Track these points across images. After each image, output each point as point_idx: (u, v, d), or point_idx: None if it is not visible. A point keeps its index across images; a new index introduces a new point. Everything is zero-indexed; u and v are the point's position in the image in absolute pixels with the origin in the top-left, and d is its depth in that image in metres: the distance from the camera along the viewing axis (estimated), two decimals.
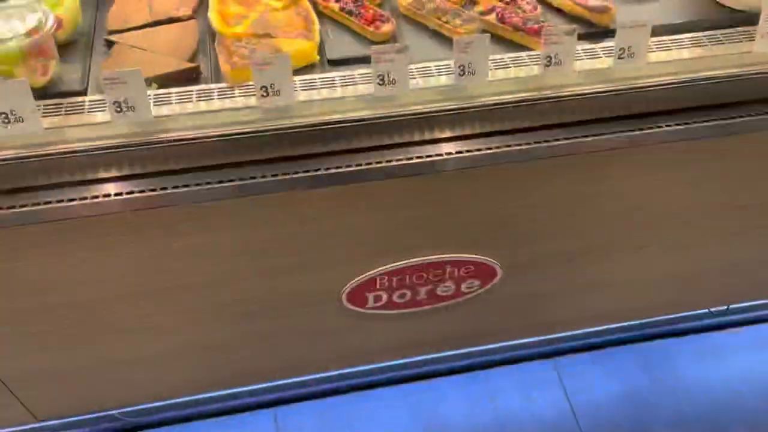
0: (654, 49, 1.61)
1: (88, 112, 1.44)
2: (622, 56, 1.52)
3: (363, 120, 1.48)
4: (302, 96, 1.49)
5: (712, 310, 2.71)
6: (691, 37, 1.65)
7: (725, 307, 2.69)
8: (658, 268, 2.05)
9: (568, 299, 2.10)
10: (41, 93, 1.45)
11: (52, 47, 1.48)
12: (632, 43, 1.51)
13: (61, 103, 1.45)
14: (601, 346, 2.69)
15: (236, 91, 1.49)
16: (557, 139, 1.55)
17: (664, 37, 1.64)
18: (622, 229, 1.88)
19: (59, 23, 1.51)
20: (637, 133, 1.57)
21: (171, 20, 1.66)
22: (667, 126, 1.58)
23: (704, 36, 1.65)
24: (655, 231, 1.91)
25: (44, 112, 1.42)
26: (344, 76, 1.54)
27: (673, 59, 1.60)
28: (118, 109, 1.37)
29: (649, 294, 2.17)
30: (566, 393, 2.55)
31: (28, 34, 1.41)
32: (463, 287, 1.87)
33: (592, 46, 1.62)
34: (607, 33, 1.65)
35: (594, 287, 2.07)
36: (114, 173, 1.42)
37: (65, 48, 1.58)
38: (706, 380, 2.60)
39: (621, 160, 1.67)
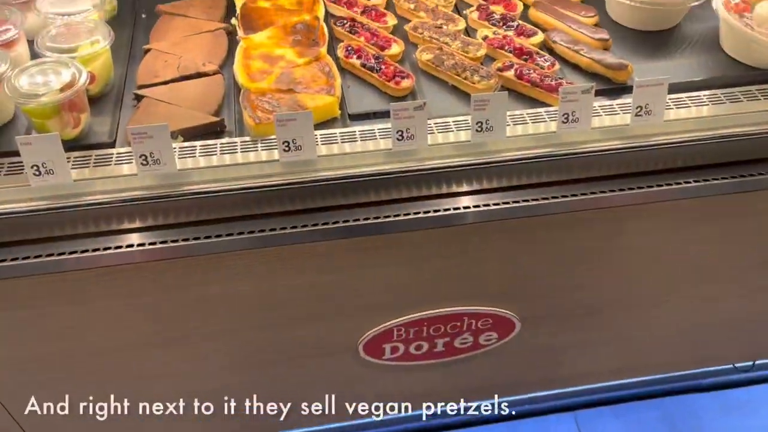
0: (672, 106, 1.62)
1: (116, 163, 1.48)
2: (639, 114, 1.54)
3: (382, 174, 1.51)
4: (323, 150, 1.52)
5: (737, 365, 2.65)
6: (710, 95, 1.66)
7: (750, 363, 2.63)
8: (680, 322, 2.03)
9: (587, 352, 2.08)
10: (72, 144, 1.51)
11: (84, 101, 1.54)
12: (650, 101, 1.53)
13: (90, 155, 1.50)
14: (623, 400, 2.63)
15: (259, 145, 1.53)
16: (575, 195, 1.56)
17: (682, 94, 1.66)
18: (642, 282, 1.86)
19: (92, 78, 1.57)
20: (655, 189, 1.57)
21: (198, 75, 1.71)
22: (685, 183, 1.58)
23: (722, 93, 1.66)
24: (677, 285, 1.90)
25: (74, 164, 1.47)
26: (364, 131, 1.57)
27: (692, 117, 1.61)
28: (144, 162, 1.41)
29: (672, 348, 2.14)
30: None
31: (63, 89, 1.47)
32: (481, 340, 1.86)
33: (610, 102, 1.64)
34: (625, 89, 1.67)
35: (614, 340, 2.05)
36: (138, 224, 1.45)
37: (97, 101, 1.64)
38: None
39: (640, 215, 1.67)
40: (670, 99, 1.61)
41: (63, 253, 1.41)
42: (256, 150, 1.52)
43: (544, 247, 1.70)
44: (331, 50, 1.78)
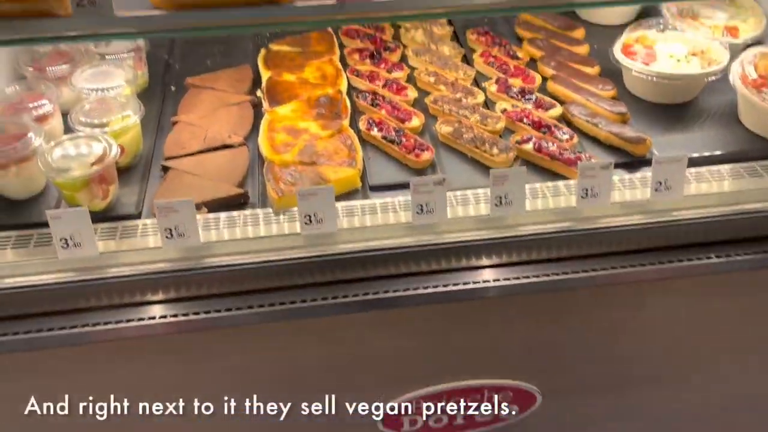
0: (692, 181, 1.62)
1: (141, 236, 1.51)
2: (658, 189, 1.54)
3: (402, 247, 1.52)
4: (344, 222, 1.54)
5: None
6: (730, 169, 1.66)
7: None
8: (708, 397, 1.97)
9: (610, 426, 2.02)
10: (100, 216, 1.54)
11: (113, 174, 1.59)
12: (668, 176, 1.53)
13: (117, 227, 1.53)
14: None
15: (281, 217, 1.55)
16: (595, 269, 1.55)
17: (702, 168, 1.66)
18: (664, 357, 1.82)
19: (121, 151, 1.62)
20: (676, 264, 1.56)
21: (224, 146, 1.75)
22: (707, 258, 1.57)
23: (742, 168, 1.66)
24: (701, 360, 1.85)
25: (101, 235, 1.50)
26: (385, 203, 1.59)
27: (712, 191, 1.61)
28: (169, 236, 1.44)
29: (699, 423, 2.07)
30: None
31: (93, 163, 1.52)
32: (501, 413, 1.82)
33: (629, 176, 1.65)
34: (644, 162, 1.68)
35: (638, 415, 1.99)
36: (161, 296, 1.47)
37: (125, 172, 1.69)
38: None
39: (663, 290, 1.65)
40: (689, 173, 1.61)
41: (86, 325, 1.43)
42: (279, 222, 1.54)
43: (566, 320, 1.68)
44: (354, 122, 1.82)
